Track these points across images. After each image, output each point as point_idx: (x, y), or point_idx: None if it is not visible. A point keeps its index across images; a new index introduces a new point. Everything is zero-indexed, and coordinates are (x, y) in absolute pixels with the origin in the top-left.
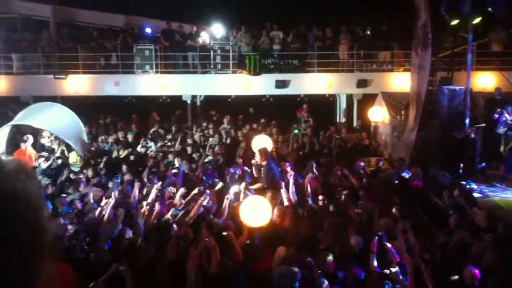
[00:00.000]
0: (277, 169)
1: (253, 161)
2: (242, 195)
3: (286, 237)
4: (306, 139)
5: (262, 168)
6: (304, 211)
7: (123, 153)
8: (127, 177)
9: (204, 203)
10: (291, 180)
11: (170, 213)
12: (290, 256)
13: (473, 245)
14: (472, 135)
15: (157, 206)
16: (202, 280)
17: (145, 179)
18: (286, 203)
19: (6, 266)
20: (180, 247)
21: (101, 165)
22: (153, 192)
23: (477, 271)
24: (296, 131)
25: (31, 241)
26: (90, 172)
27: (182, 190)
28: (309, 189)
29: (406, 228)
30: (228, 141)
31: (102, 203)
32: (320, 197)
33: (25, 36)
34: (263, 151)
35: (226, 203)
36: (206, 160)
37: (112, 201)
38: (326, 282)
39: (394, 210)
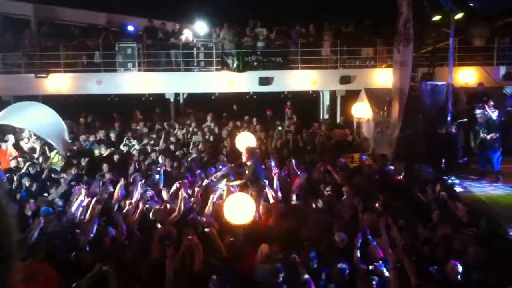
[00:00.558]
0: (261, 167)
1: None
2: (225, 193)
3: (271, 234)
4: (290, 135)
5: (246, 167)
6: (288, 208)
7: (105, 152)
8: (108, 176)
9: (214, 200)
10: (276, 177)
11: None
12: (273, 253)
13: (456, 240)
14: (454, 130)
15: (140, 205)
16: (186, 279)
17: (130, 179)
18: (271, 200)
19: None
20: (164, 246)
21: (83, 164)
22: (137, 191)
23: (459, 266)
24: (279, 128)
25: None
26: (72, 171)
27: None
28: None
29: (389, 223)
30: (212, 139)
31: (84, 203)
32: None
33: (6, 35)
34: (250, 150)
35: (210, 201)
36: (190, 158)
37: (93, 200)
38: (309, 278)
39: (377, 205)
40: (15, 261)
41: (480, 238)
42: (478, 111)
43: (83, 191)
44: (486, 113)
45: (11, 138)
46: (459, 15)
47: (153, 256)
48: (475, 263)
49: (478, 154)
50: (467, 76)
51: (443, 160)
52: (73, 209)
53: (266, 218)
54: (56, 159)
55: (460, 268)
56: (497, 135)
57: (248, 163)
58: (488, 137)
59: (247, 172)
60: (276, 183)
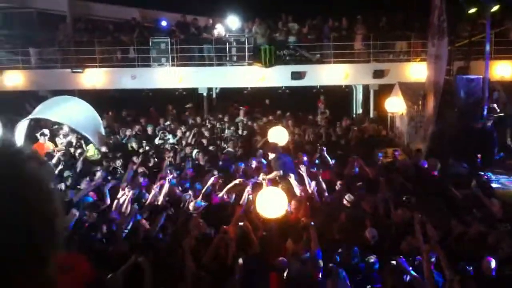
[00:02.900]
0: (289, 160)
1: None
2: (264, 185)
3: (299, 229)
4: (323, 130)
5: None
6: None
7: (139, 147)
8: (140, 169)
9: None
10: (304, 172)
11: (192, 204)
12: (299, 250)
13: (489, 236)
14: (490, 125)
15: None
16: (217, 271)
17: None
18: (298, 194)
19: (13, 252)
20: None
21: (119, 158)
22: (165, 186)
23: (493, 261)
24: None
25: (42, 227)
26: (109, 165)
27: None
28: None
29: (423, 220)
30: (245, 133)
31: (119, 195)
32: (338, 183)
33: (42, 31)
34: (271, 145)
35: (245, 195)
36: (224, 152)
37: (129, 194)
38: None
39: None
40: (59, 249)
41: None
42: None
43: (126, 190)
44: None
45: (47, 133)
46: (495, 8)
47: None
48: (509, 258)
49: None
50: (503, 69)
51: (479, 156)
52: (114, 204)
53: (297, 212)
54: (92, 152)
55: (494, 264)
56: None
57: (271, 157)
58: None
59: (273, 166)
60: (306, 177)
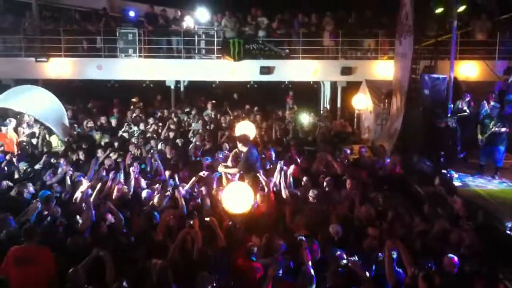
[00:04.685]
0: (258, 156)
1: (236, 150)
2: (224, 179)
3: (262, 224)
4: (290, 126)
5: (242, 154)
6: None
7: (104, 138)
8: (107, 161)
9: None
10: (278, 167)
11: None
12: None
13: (451, 233)
14: (454, 124)
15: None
16: (185, 265)
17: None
18: (265, 189)
19: None
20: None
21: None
22: (132, 179)
23: (456, 258)
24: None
25: None
26: (72, 157)
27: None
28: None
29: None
30: (212, 127)
31: (81, 188)
32: (304, 179)
33: (6, 18)
34: (243, 138)
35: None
36: (191, 145)
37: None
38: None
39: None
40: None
41: (476, 230)
42: (492, 103)
43: (86, 182)
44: (497, 106)
45: (12, 122)
46: (461, 8)
47: (157, 238)
48: (470, 255)
49: (483, 147)
50: (468, 69)
51: (442, 154)
52: (77, 196)
53: (263, 207)
54: (55, 143)
55: (456, 261)
56: (507, 130)
57: (243, 150)
58: (497, 131)
59: (241, 160)
60: (277, 173)
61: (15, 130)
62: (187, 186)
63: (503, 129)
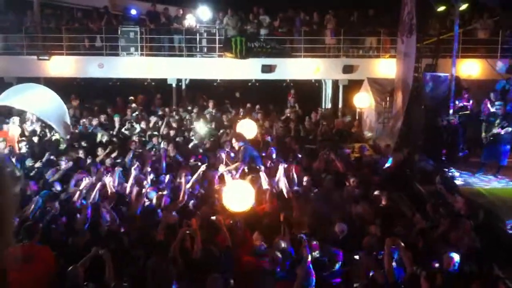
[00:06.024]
0: (255, 152)
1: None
2: (227, 177)
3: (264, 222)
4: (292, 124)
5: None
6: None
7: (106, 136)
8: (108, 161)
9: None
10: (280, 167)
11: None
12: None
13: (452, 232)
14: (455, 122)
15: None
16: (185, 264)
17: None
18: (265, 186)
19: None
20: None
21: (83, 148)
22: (132, 177)
23: (455, 257)
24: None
25: None
26: (73, 155)
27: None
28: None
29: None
30: (213, 126)
31: (81, 187)
32: (305, 179)
33: (8, 16)
34: (237, 135)
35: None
36: (192, 144)
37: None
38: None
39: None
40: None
41: (476, 229)
42: (497, 103)
43: (87, 179)
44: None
45: (15, 120)
46: (463, 6)
47: (158, 238)
48: (470, 253)
49: (487, 146)
50: (470, 68)
51: (444, 152)
52: (76, 196)
53: (265, 205)
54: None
55: (456, 259)
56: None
57: (239, 147)
58: (503, 131)
59: (239, 156)
60: (279, 172)
61: (20, 127)
62: (188, 184)
63: (510, 129)
